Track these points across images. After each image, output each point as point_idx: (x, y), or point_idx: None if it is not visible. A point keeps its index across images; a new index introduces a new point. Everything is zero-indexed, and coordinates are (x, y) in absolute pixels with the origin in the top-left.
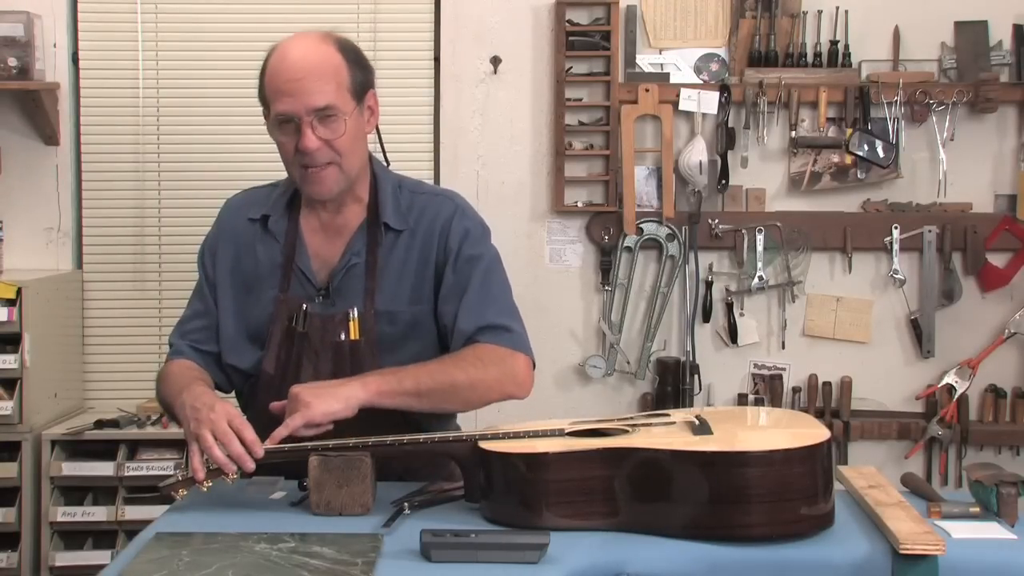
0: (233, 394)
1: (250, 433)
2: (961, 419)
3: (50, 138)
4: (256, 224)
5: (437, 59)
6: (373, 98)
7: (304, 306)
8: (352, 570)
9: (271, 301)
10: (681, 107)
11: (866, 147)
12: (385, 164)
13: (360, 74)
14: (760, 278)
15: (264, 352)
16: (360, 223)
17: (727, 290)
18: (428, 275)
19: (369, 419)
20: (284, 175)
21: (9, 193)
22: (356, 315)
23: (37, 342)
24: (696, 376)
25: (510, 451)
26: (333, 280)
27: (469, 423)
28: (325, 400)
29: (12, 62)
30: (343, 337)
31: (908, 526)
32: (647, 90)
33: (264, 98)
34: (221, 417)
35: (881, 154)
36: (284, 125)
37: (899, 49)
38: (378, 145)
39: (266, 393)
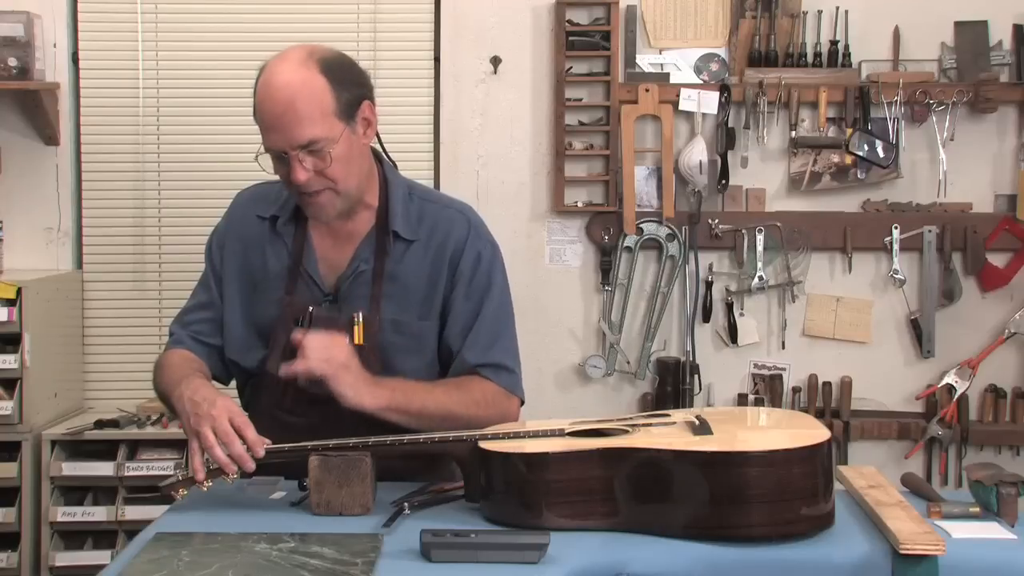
0: (234, 385)
1: (251, 432)
2: (961, 419)
3: (50, 138)
4: (266, 223)
5: (437, 59)
6: (368, 109)
7: (310, 309)
8: (352, 570)
9: (276, 303)
10: (681, 107)
11: (866, 147)
12: (393, 166)
13: (347, 92)
14: (760, 278)
15: (268, 353)
16: (369, 229)
17: (727, 290)
18: (438, 293)
19: (369, 419)
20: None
21: (9, 193)
22: (361, 320)
23: (37, 342)
24: (696, 376)
25: (510, 451)
26: (341, 286)
27: None
28: (344, 385)
29: (12, 62)
30: (347, 342)
31: (908, 526)
32: (647, 90)
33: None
34: (223, 414)
35: (881, 154)
36: (275, 155)
37: (899, 49)
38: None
39: (270, 394)
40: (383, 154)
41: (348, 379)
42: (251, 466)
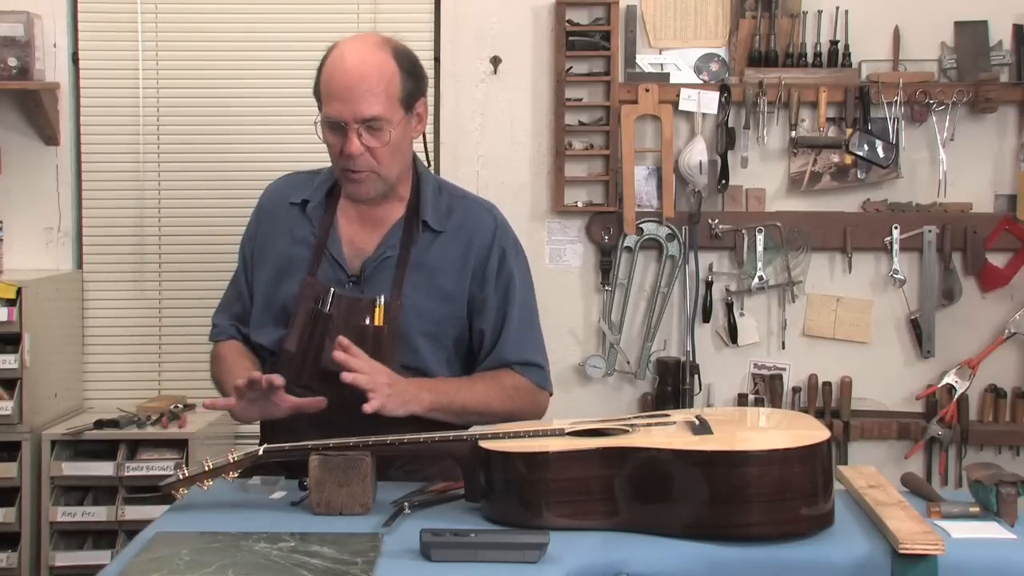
0: None
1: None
2: (961, 419)
3: (50, 138)
4: (296, 208)
5: (437, 59)
6: (423, 105)
7: (332, 289)
8: (352, 569)
9: (299, 283)
10: (681, 107)
11: (866, 147)
12: (427, 164)
13: (412, 83)
14: (760, 278)
15: (287, 332)
16: (399, 218)
17: (727, 290)
18: (462, 285)
19: (369, 419)
20: (286, 172)
21: (9, 193)
22: (382, 302)
23: (37, 342)
24: (696, 376)
25: (510, 451)
26: (366, 269)
27: None
28: (394, 401)
29: (12, 62)
30: (368, 322)
31: (908, 526)
32: (647, 90)
33: (318, 95)
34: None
35: (881, 154)
36: (333, 126)
37: (899, 49)
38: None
39: (286, 371)
40: (423, 150)
41: (390, 395)
42: (279, 381)
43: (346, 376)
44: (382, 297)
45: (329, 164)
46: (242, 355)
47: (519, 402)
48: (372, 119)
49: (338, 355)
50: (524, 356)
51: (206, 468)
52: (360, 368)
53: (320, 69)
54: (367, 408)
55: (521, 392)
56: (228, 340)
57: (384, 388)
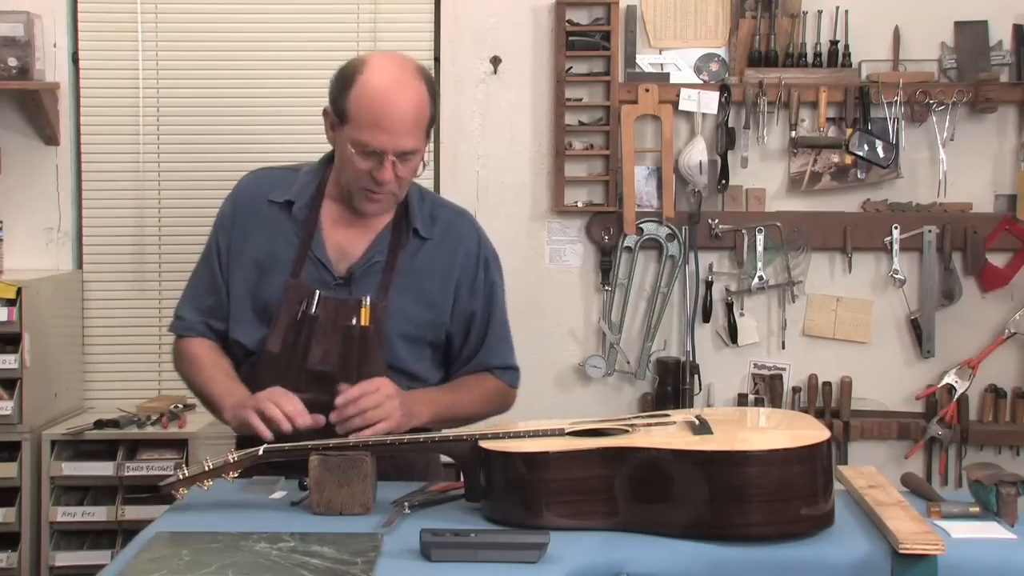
0: None
1: (290, 405)
2: (961, 419)
3: (50, 138)
4: (276, 206)
5: (437, 59)
6: (431, 129)
7: (318, 291)
8: (352, 569)
9: (282, 284)
10: (681, 107)
11: (866, 147)
12: (426, 165)
13: (434, 110)
14: (760, 278)
15: (269, 332)
16: (386, 223)
17: (727, 290)
18: (447, 292)
19: None
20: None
21: (9, 193)
22: (368, 303)
23: (37, 342)
24: (696, 376)
25: (510, 451)
26: (354, 272)
27: None
28: (405, 419)
29: (12, 62)
30: (354, 322)
31: (908, 526)
32: (647, 90)
33: (343, 110)
34: (269, 393)
35: (881, 154)
36: (368, 152)
37: (899, 49)
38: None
39: (269, 372)
40: None
41: (401, 415)
42: (300, 423)
43: (351, 427)
44: (367, 298)
45: (307, 161)
46: (219, 356)
47: (497, 403)
48: (410, 151)
49: (337, 415)
50: (503, 361)
51: (206, 468)
52: (376, 403)
53: (350, 86)
54: (373, 430)
55: (499, 394)
56: (197, 338)
57: (396, 413)
